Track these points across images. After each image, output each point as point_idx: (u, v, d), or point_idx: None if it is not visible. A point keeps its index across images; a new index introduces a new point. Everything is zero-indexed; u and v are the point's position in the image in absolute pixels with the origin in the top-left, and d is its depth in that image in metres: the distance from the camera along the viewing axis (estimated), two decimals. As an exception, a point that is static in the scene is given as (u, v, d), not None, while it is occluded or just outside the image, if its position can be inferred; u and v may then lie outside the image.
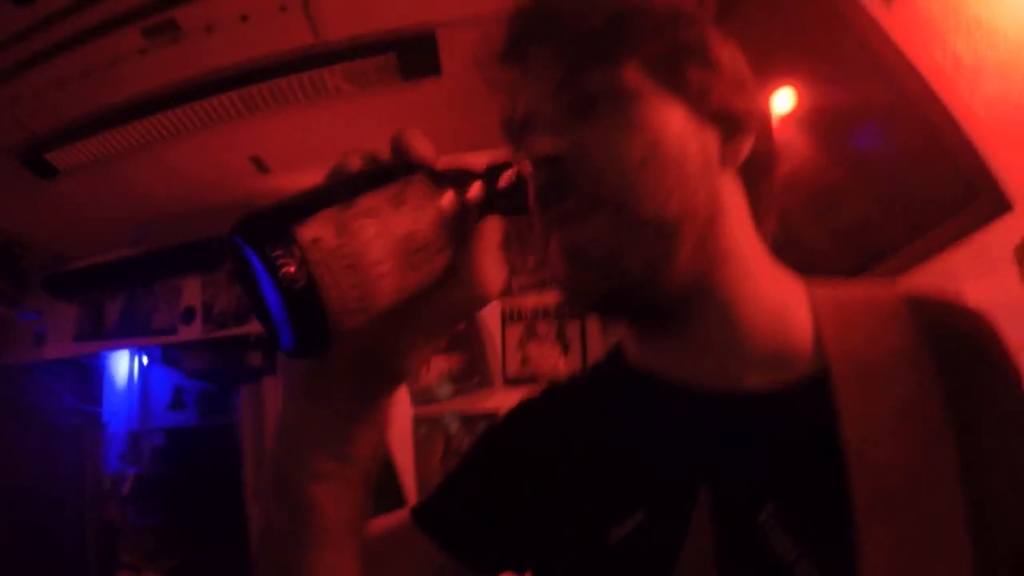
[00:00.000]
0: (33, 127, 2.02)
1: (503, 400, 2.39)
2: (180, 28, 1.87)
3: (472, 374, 2.46)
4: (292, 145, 2.50)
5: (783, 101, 1.53)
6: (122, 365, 3.23)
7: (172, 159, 2.44)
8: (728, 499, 0.52)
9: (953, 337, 0.54)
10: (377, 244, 0.37)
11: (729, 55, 0.59)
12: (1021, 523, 0.49)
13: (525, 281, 2.52)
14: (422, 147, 0.43)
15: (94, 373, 3.23)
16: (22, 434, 2.88)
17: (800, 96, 1.51)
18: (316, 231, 0.35)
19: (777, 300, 0.59)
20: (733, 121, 0.57)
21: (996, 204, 1.03)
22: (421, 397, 2.45)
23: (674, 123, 0.55)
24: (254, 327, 2.93)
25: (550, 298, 2.46)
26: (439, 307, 0.44)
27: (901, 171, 1.22)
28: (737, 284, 0.57)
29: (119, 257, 3.02)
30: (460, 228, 0.43)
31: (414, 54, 2.04)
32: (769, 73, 1.48)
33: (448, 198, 0.42)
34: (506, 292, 2.51)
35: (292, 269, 0.34)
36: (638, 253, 0.53)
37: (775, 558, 0.49)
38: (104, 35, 1.81)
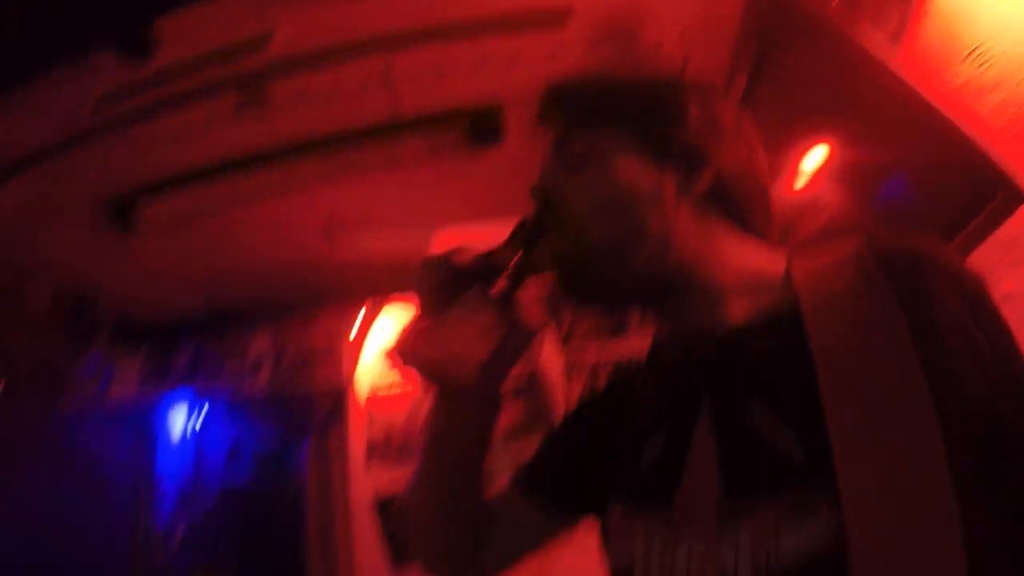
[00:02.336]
0: (123, 181, 2.12)
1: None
2: (269, 99, 1.98)
3: (535, 425, 2.43)
4: (364, 211, 2.58)
5: (815, 157, 1.81)
6: (180, 420, 3.26)
7: (249, 222, 2.55)
8: (724, 402, 0.67)
9: (902, 260, 0.64)
10: None
11: (700, 108, 0.76)
12: (975, 389, 0.57)
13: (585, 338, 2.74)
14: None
15: (152, 427, 3.26)
16: (75, 485, 2.88)
17: (831, 150, 1.76)
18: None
19: (754, 273, 0.74)
20: (691, 160, 0.74)
21: (1012, 197, 1.15)
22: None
23: (629, 172, 0.74)
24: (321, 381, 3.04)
25: (611, 351, 2.68)
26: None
27: (923, 188, 1.37)
28: (711, 276, 0.73)
29: (189, 312, 3.09)
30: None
31: (480, 126, 2.13)
32: (800, 132, 1.76)
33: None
34: (568, 342, 2.73)
35: None
36: (593, 263, 0.73)
37: (761, 437, 0.61)
38: (200, 100, 1.93)
